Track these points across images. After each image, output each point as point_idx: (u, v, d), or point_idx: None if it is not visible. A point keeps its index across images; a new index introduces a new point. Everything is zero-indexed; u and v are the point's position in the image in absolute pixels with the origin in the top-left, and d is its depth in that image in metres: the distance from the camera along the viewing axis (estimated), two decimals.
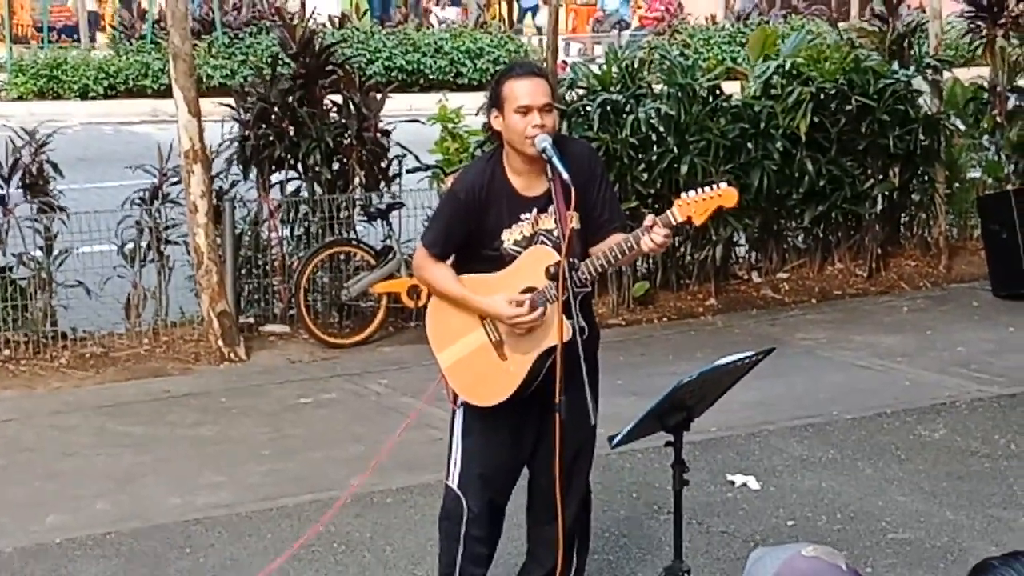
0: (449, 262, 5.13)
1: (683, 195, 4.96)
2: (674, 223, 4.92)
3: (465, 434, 5.15)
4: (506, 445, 5.14)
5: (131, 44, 25.51)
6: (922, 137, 11.81)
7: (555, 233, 4.96)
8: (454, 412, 5.19)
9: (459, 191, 5.08)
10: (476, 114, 9.49)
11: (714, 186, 4.96)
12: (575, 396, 4.81)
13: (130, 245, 9.98)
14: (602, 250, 4.95)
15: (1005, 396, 8.73)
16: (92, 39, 28.64)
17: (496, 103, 4.98)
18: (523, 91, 4.91)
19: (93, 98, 24.24)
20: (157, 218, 10.06)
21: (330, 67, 10.80)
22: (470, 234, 5.01)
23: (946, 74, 12.41)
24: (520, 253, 4.97)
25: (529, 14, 34.05)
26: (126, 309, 10.02)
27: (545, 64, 10.97)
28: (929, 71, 12.16)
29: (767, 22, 25.62)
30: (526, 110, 4.88)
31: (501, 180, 5.00)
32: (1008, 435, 7.97)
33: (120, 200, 10.14)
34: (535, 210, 4.98)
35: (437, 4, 33.46)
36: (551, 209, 4.96)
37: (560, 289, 4.82)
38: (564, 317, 4.85)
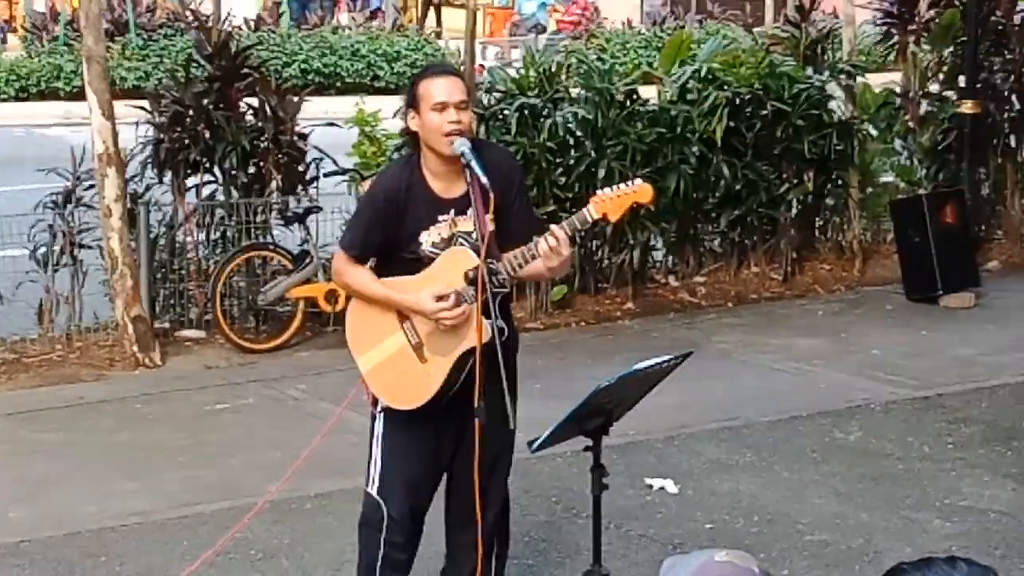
0: (368, 266, 5.12)
1: (598, 192, 5.01)
2: (590, 220, 4.97)
3: (385, 440, 5.12)
4: (427, 450, 5.12)
5: (43, 46, 25.21)
6: (836, 142, 11.90)
7: (473, 235, 4.96)
8: (374, 418, 5.17)
9: (378, 193, 5.09)
10: (393, 117, 9.47)
11: (629, 183, 5.01)
12: (494, 399, 4.80)
13: (43, 249, 9.87)
14: (514, 253, 4.95)
15: (919, 399, 8.82)
16: (3, 40, 28.29)
17: (412, 103, 4.98)
18: (438, 89, 4.92)
19: (4, 100, 23.93)
20: (71, 222, 9.95)
21: (246, 70, 10.73)
22: (388, 236, 5.00)
23: (859, 80, 12.53)
24: (438, 255, 4.96)
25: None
26: (39, 314, 9.90)
27: (463, 67, 10.97)
28: (843, 76, 12.28)
29: (683, 27, 25.76)
30: (442, 107, 4.89)
31: (419, 182, 4.99)
32: (921, 437, 8.06)
33: (32, 203, 10.02)
34: (453, 212, 4.98)
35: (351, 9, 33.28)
36: (469, 211, 4.97)
37: (480, 291, 4.81)
38: (483, 318, 4.84)
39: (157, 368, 9.52)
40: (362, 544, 5.24)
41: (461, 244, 4.96)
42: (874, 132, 12.79)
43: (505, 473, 5.27)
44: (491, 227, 4.90)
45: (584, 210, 4.96)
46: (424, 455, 5.12)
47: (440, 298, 4.89)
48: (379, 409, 5.12)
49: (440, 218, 4.98)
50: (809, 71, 12.12)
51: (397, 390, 5.03)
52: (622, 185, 5.00)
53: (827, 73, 12.20)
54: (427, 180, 5.00)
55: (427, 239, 4.98)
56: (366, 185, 9.94)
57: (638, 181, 5.05)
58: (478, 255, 4.85)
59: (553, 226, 4.91)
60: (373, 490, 5.14)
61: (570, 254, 4.94)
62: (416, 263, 4.98)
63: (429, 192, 4.99)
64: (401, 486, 5.10)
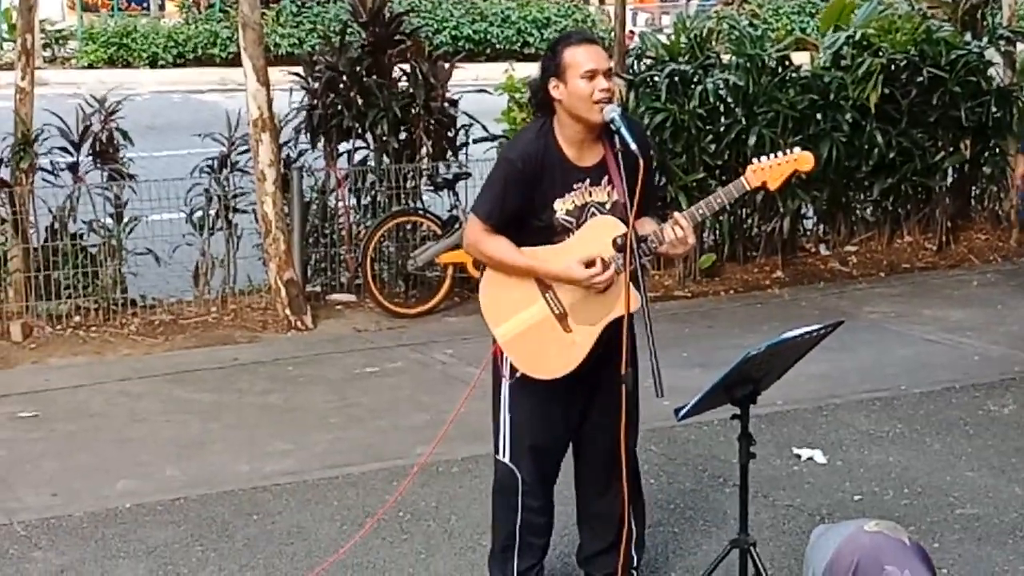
0: None
1: (756, 160, 4.96)
2: (748, 188, 4.94)
3: (513, 407, 5.11)
4: (555, 417, 5.10)
5: (200, 13, 25.64)
6: (994, 109, 11.69)
7: (607, 205, 4.94)
8: (499, 386, 5.15)
9: (516, 159, 4.98)
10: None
11: (788, 151, 4.97)
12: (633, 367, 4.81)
13: (199, 213, 10.07)
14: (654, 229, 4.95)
15: None
16: (161, 7, 28.82)
17: (556, 72, 4.91)
18: (587, 57, 4.88)
19: (162, 66, 24.44)
20: (225, 186, 10.13)
21: (399, 36, 10.80)
22: (523, 203, 4.96)
23: (1019, 45, 12.26)
24: (571, 223, 4.94)
25: None
26: (194, 277, 10.11)
27: (613, 33, 10.95)
28: (1002, 42, 12.03)
29: None
30: (592, 74, 4.85)
31: (553, 149, 4.96)
32: None
33: (189, 168, 10.22)
34: (588, 181, 4.95)
35: None
36: (604, 181, 4.95)
37: (627, 259, 4.80)
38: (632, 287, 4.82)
39: (308, 331, 9.66)
40: (499, 511, 5.25)
41: (594, 214, 4.94)
42: None
43: (635, 438, 5.23)
44: (616, 198, 4.90)
45: (741, 179, 4.92)
46: (552, 421, 5.11)
47: (588, 264, 4.88)
48: (511, 377, 5.10)
49: (575, 186, 4.95)
50: (967, 37, 11.90)
51: (540, 360, 5.00)
52: (781, 154, 4.95)
53: (986, 39, 11.98)
54: (562, 147, 4.96)
55: (561, 206, 4.94)
56: None
57: (797, 149, 5.00)
58: (624, 223, 4.84)
59: (677, 214, 4.89)
60: (505, 457, 5.15)
61: (693, 243, 4.98)
62: (548, 231, 4.95)
63: (564, 159, 4.96)
64: (531, 452, 5.11)
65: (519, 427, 5.10)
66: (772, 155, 4.97)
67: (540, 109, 5.05)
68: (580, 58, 4.87)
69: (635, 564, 5.31)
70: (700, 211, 4.98)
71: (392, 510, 6.43)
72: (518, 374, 5.03)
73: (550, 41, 5.41)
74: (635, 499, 5.27)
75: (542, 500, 5.20)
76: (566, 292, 4.95)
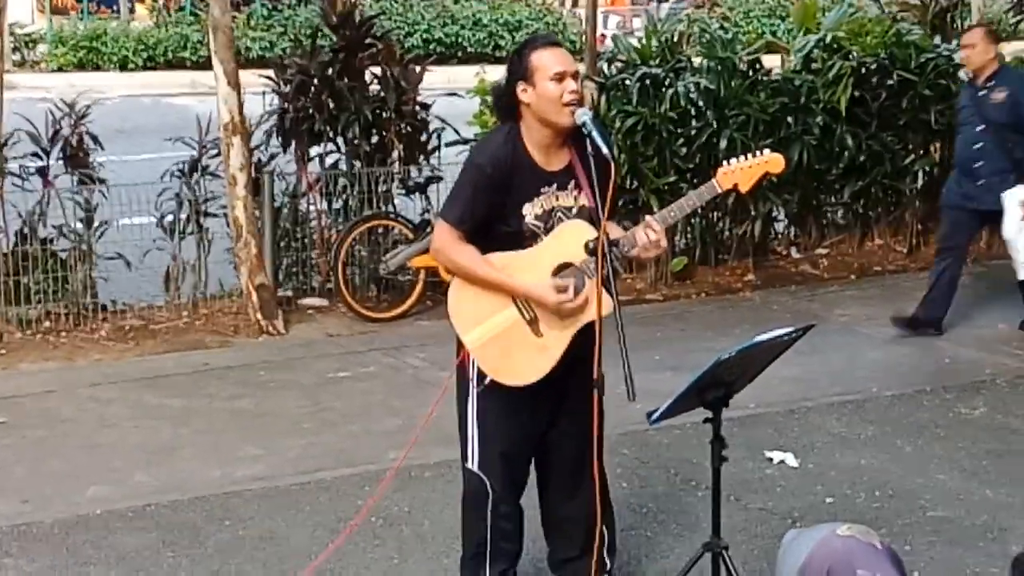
0: None
1: (727, 162, 4.96)
2: (719, 191, 4.94)
3: (482, 415, 5.08)
4: (524, 422, 5.08)
5: (170, 16, 25.58)
6: None
7: (573, 210, 4.94)
8: (466, 394, 5.11)
9: (485, 164, 4.95)
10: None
11: (759, 152, 4.97)
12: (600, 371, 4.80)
13: (169, 217, 10.03)
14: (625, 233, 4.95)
15: None
16: (131, 10, 28.73)
17: (524, 75, 4.89)
18: (554, 59, 4.87)
19: (132, 70, 24.35)
20: (196, 191, 10.10)
21: (370, 40, 10.79)
22: (492, 209, 4.93)
23: None
24: (538, 227, 4.92)
25: None
26: (165, 281, 10.07)
27: (584, 36, 10.96)
28: None
29: None
30: (560, 76, 4.83)
31: (521, 154, 4.94)
32: None
33: (159, 172, 10.18)
34: (555, 185, 4.94)
35: None
36: (570, 186, 4.95)
37: (600, 264, 4.78)
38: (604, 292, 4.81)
39: (280, 336, 9.63)
40: (469, 519, 5.23)
41: (561, 219, 4.93)
42: None
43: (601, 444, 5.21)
44: (584, 202, 4.91)
45: (712, 181, 4.93)
46: (522, 427, 5.09)
47: (560, 268, 4.87)
48: (479, 384, 5.06)
49: (542, 190, 4.93)
50: (937, 40, 11.93)
51: (510, 366, 4.96)
52: (751, 156, 4.96)
53: (955, 42, 11.99)
54: (529, 152, 4.94)
55: (530, 212, 4.92)
56: None
57: (767, 151, 5.01)
58: (593, 227, 4.83)
59: (649, 217, 4.89)
60: (474, 466, 5.13)
61: (665, 246, 4.97)
62: (517, 236, 4.92)
63: (532, 163, 4.94)
64: (502, 459, 5.09)
65: (488, 435, 5.07)
66: (741, 157, 4.98)
67: (504, 115, 5.02)
68: (548, 61, 4.86)
69: (608, 568, 5.31)
70: (672, 214, 4.98)
71: (364, 516, 6.41)
72: (487, 381, 5.00)
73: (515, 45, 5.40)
74: (604, 503, 5.27)
75: (512, 506, 5.18)
76: None
